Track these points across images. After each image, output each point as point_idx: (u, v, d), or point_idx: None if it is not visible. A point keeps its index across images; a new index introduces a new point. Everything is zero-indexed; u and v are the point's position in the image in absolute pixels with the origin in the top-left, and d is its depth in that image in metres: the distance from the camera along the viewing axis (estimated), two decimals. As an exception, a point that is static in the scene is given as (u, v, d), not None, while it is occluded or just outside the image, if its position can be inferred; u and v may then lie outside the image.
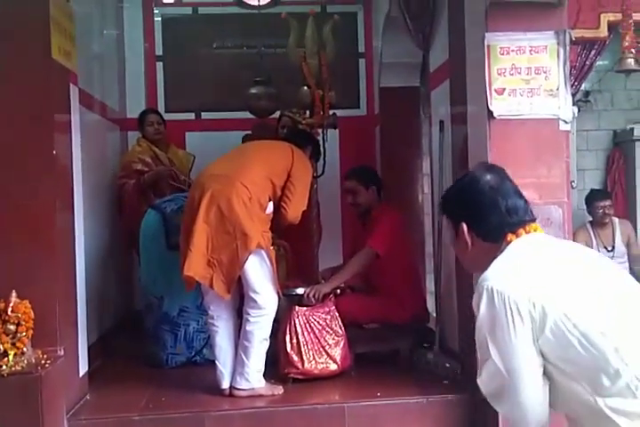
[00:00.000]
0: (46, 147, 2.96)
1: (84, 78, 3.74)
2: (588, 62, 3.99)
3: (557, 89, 3.04)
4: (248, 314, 3.17)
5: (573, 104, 3.13)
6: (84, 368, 3.28)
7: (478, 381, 1.46)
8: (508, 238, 1.52)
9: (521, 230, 1.53)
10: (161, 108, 5.35)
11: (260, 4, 5.10)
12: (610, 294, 1.42)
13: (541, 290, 1.38)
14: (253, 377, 3.20)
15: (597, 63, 4.20)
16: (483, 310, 1.41)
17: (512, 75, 3.03)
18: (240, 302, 3.31)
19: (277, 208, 3.32)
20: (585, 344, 1.34)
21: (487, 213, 1.54)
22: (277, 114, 4.73)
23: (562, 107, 3.04)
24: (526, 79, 3.04)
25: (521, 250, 1.50)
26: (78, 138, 3.35)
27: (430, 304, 4.05)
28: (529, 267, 1.45)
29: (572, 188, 3.21)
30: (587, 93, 6.28)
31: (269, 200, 3.29)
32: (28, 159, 2.93)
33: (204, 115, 5.67)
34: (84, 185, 3.42)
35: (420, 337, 3.78)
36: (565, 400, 1.42)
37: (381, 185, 3.95)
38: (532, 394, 1.39)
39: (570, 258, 1.50)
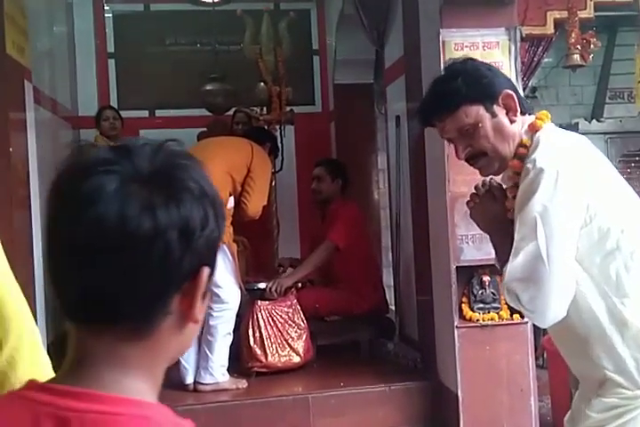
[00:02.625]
0: (3, 144, 2.91)
1: (37, 75, 3.68)
2: (535, 59, 4.12)
3: (508, 84, 3.15)
4: (211, 309, 3.19)
5: (524, 99, 3.24)
6: (44, 368, 3.23)
7: (509, 264, 1.38)
8: (532, 121, 1.52)
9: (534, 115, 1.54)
10: (114, 105, 5.29)
11: (215, 1, 5.08)
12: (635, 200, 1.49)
13: (596, 185, 1.40)
14: (217, 372, 3.22)
15: (544, 60, 4.35)
16: (542, 189, 1.36)
17: (466, 70, 3.12)
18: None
19: (238, 203, 3.34)
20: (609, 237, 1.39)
21: (513, 87, 1.54)
22: (233, 111, 4.75)
23: (513, 101, 3.14)
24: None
25: (570, 138, 1.49)
26: (34, 135, 3.31)
27: (389, 297, 4.13)
28: (585, 157, 1.44)
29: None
30: (534, 89, 6.48)
31: (230, 195, 3.31)
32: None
33: (159, 112, 5.63)
34: (40, 181, 3.38)
35: (379, 328, 3.85)
36: (584, 312, 1.40)
37: (347, 181, 4.01)
38: (563, 284, 1.35)
39: (604, 161, 1.51)
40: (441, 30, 3.09)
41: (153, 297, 0.66)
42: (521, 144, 1.50)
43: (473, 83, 1.49)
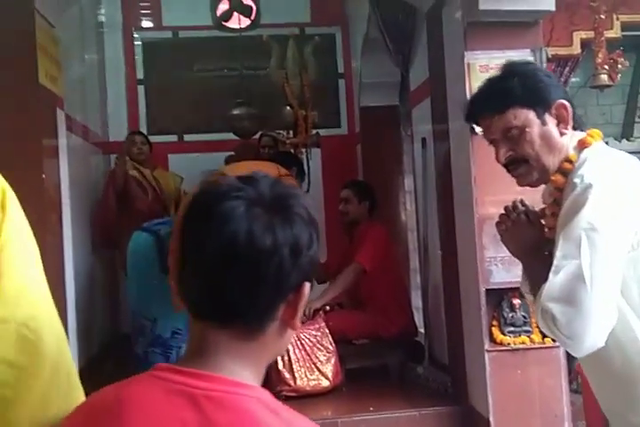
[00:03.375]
0: (35, 171, 2.97)
1: (69, 103, 3.77)
2: (562, 79, 4.11)
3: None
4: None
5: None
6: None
7: (548, 282, 1.30)
8: (582, 137, 1.45)
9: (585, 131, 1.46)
10: (143, 130, 5.38)
11: (241, 26, 5.17)
12: None
13: None
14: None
15: (571, 80, 4.33)
16: (589, 205, 1.29)
17: (492, 92, 3.11)
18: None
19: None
20: None
21: (568, 98, 1.46)
22: (259, 135, 4.80)
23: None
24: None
25: (620, 157, 1.41)
26: (66, 161, 3.37)
27: (418, 319, 4.09)
28: (635, 177, 1.36)
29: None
30: (561, 109, 6.44)
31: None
32: (18, 183, 2.94)
33: (187, 137, 5.71)
34: (71, 207, 3.44)
35: (408, 352, 3.81)
36: (626, 346, 1.33)
37: (375, 203, 4.01)
38: (604, 309, 1.25)
39: None
40: (465, 52, 3.10)
41: (266, 304, 0.81)
42: (567, 159, 1.43)
43: (528, 86, 1.43)
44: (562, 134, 1.45)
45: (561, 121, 1.45)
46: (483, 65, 3.11)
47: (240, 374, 0.82)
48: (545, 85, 1.45)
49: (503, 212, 1.56)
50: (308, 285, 0.83)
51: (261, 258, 0.78)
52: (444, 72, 3.40)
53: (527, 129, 1.43)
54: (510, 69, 1.50)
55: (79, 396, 0.96)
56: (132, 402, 0.80)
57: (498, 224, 1.56)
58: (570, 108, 1.45)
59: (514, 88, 1.43)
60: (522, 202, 1.54)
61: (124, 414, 0.79)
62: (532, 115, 1.43)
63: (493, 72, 3.07)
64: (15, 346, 0.86)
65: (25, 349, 0.86)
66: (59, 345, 0.92)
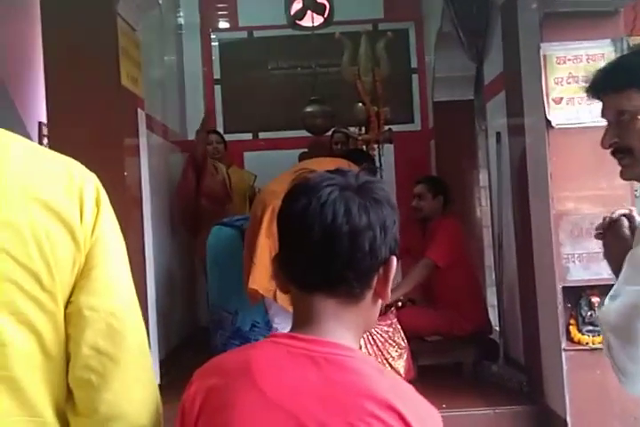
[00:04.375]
0: (117, 168, 3.11)
1: (149, 103, 3.91)
2: (646, 69, 3.94)
3: (617, 96, 3.03)
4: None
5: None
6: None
7: (605, 306, 1.22)
8: None
9: None
10: (220, 129, 5.52)
11: (314, 25, 5.22)
12: None
13: None
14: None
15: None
16: None
17: (569, 83, 3.03)
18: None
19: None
20: None
21: None
22: (332, 131, 4.83)
23: (622, 114, 3.02)
24: (584, 87, 3.03)
25: None
26: (146, 160, 3.50)
27: (493, 317, 4.03)
28: None
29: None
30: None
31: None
32: (101, 181, 3.08)
33: (262, 135, 5.82)
34: (151, 204, 3.57)
35: (483, 349, 3.76)
36: None
37: (448, 199, 3.97)
38: None
39: None
40: (542, 44, 3.03)
41: (364, 273, 0.94)
42: None
43: None
44: None
45: None
46: (560, 57, 3.03)
47: (346, 338, 0.94)
48: None
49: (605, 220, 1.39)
50: (394, 258, 0.96)
51: (358, 234, 0.91)
52: (519, 65, 3.33)
53: (639, 117, 1.27)
54: None
55: (155, 385, 1.01)
56: (260, 361, 0.92)
57: (596, 235, 1.41)
58: None
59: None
60: (619, 214, 1.36)
61: (256, 371, 0.91)
62: None
63: (571, 64, 3.05)
64: (103, 334, 0.91)
65: (111, 337, 0.91)
66: (141, 336, 0.97)
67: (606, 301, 1.21)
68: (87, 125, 3.07)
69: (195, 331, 4.98)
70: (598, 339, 2.86)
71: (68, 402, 0.93)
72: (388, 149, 5.04)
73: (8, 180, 0.86)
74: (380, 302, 0.98)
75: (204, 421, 0.93)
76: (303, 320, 0.96)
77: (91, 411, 0.91)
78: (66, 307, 0.90)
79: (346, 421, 0.87)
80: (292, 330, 0.97)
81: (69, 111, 3.02)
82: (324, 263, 0.92)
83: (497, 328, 3.94)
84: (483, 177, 5.00)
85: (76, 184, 0.91)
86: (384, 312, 3.54)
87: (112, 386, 0.92)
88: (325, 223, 0.92)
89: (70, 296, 0.91)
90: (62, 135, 2.98)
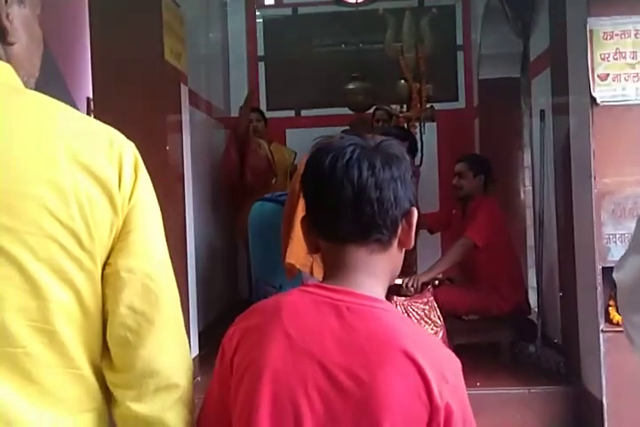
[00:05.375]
0: (160, 143, 3.16)
1: (193, 79, 3.96)
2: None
3: (666, 73, 2.94)
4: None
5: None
6: (194, 352, 3.48)
7: (616, 273, 1.27)
8: None
9: None
10: (262, 106, 5.55)
11: (358, 1, 5.17)
12: None
13: None
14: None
15: None
16: None
17: (616, 59, 2.95)
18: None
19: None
20: None
21: None
22: (373, 109, 4.81)
23: (670, 91, 2.93)
24: (631, 64, 2.95)
25: None
26: (188, 135, 3.55)
27: (532, 299, 3.99)
28: None
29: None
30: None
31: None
32: (143, 155, 3.14)
33: (304, 112, 5.82)
34: (193, 179, 3.62)
35: (520, 330, 3.73)
36: None
37: (491, 178, 3.92)
38: None
39: None
40: (589, 19, 2.94)
41: (392, 222, 1.02)
42: None
43: None
44: None
45: None
46: (607, 32, 2.95)
47: (373, 289, 1.02)
48: None
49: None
50: (414, 209, 1.05)
51: (383, 186, 1.00)
52: (565, 40, 3.25)
53: None
54: None
55: (186, 344, 1.05)
56: (288, 307, 1.02)
57: None
58: None
59: None
60: None
61: (284, 315, 1.00)
62: None
63: (618, 39, 2.96)
64: (139, 294, 0.95)
65: (147, 298, 0.96)
66: (174, 297, 1.01)
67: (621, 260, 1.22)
68: (131, 99, 3.12)
69: (235, 304, 5.07)
70: (637, 321, 2.82)
71: (104, 359, 0.97)
72: (432, 127, 4.99)
73: (55, 143, 0.90)
74: (403, 250, 1.07)
75: (240, 356, 1.02)
76: (334, 271, 1.04)
77: (128, 367, 0.96)
78: (104, 268, 0.94)
79: (365, 367, 0.93)
80: (322, 281, 1.05)
81: (114, 86, 3.07)
82: (357, 214, 1.00)
83: (535, 309, 3.91)
84: (527, 157, 4.92)
85: (115, 151, 0.95)
86: (420, 290, 3.55)
87: (147, 344, 0.96)
88: (353, 178, 1.00)
89: (108, 258, 0.95)
90: (107, 109, 3.03)
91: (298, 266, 3.24)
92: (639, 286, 1.16)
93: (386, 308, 1.01)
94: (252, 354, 1.01)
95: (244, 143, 4.60)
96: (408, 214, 1.04)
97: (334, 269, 1.04)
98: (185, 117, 3.51)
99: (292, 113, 5.82)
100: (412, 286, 3.51)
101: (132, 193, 0.96)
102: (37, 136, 0.90)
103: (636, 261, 1.17)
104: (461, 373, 0.98)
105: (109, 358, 0.97)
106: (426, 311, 3.49)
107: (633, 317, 1.17)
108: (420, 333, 1.03)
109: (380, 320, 0.98)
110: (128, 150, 0.97)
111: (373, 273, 1.03)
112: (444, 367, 0.96)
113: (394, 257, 1.05)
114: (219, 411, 1.05)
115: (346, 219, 1.01)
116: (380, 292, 1.04)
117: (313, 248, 1.08)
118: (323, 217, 1.04)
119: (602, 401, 2.83)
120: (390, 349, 0.94)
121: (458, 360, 1.00)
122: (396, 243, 1.04)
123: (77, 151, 0.91)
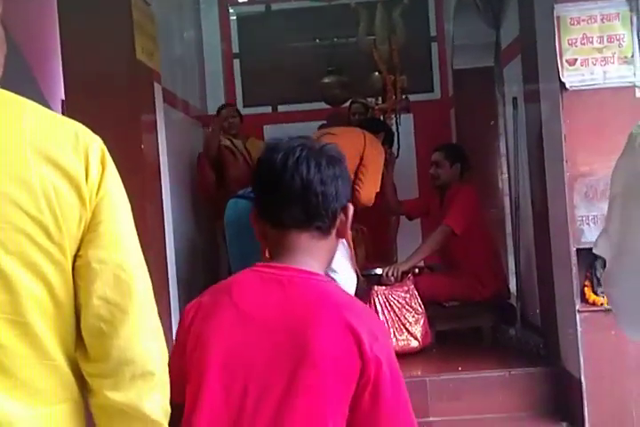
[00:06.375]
0: (134, 142, 3.17)
1: (168, 78, 3.95)
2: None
3: (632, 56, 2.99)
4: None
5: (650, 70, 3.05)
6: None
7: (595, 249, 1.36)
8: None
9: None
10: (239, 103, 5.56)
11: (330, -4, 5.20)
12: None
13: None
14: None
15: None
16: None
17: (583, 44, 2.99)
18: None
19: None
20: None
21: None
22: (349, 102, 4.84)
23: (637, 74, 2.98)
24: (598, 48, 3.00)
25: None
26: (164, 134, 3.56)
27: (512, 284, 4.04)
28: None
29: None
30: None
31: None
32: (118, 156, 3.12)
33: (281, 107, 5.84)
34: (170, 178, 3.63)
35: (501, 314, 3.79)
36: None
37: (467, 166, 3.97)
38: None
39: None
40: (555, 5, 2.98)
41: (332, 213, 1.18)
42: None
43: None
44: None
45: None
46: (574, 17, 2.99)
47: (312, 266, 1.17)
48: None
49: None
50: (351, 204, 1.22)
51: (328, 182, 1.16)
52: (533, 28, 3.30)
53: None
54: None
55: (161, 333, 1.06)
56: (237, 284, 1.19)
57: None
58: None
59: None
60: None
61: (234, 290, 1.17)
62: None
63: (585, 24, 3.00)
64: (112, 285, 0.97)
65: (120, 288, 0.97)
66: (147, 287, 1.03)
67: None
68: (104, 100, 3.11)
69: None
70: (612, 300, 2.87)
71: (78, 349, 0.99)
72: (408, 118, 5.03)
73: (21, 139, 0.92)
74: (339, 239, 1.23)
75: (194, 328, 1.18)
76: (280, 253, 1.19)
77: (103, 356, 0.98)
78: (75, 260, 0.96)
79: (303, 327, 1.08)
80: (268, 261, 1.20)
81: (86, 86, 3.07)
82: (304, 204, 1.16)
83: (515, 293, 3.96)
84: (502, 145, 4.97)
85: (82, 145, 0.97)
86: (400, 279, 3.59)
87: (122, 333, 0.97)
88: (302, 173, 1.16)
89: (79, 250, 0.96)
90: (80, 110, 3.03)
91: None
92: (612, 263, 1.24)
93: (323, 279, 1.17)
94: (205, 325, 1.16)
95: (218, 161, 4.62)
96: (346, 208, 1.20)
97: (280, 251, 1.19)
98: (159, 116, 3.52)
99: (268, 109, 5.84)
100: (393, 275, 3.55)
101: (99, 185, 0.97)
102: (3, 134, 0.92)
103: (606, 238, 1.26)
104: (390, 337, 1.10)
105: (84, 348, 0.99)
106: (407, 299, 3.54)
107: (606, 289, 1.29)
108: (354, 300, 1.18)
109: (317, 288, 1.14)
110: (94, 144, 0.99)
111: (313, 255, 1.18)
112: (374, 328, 1.11)
113: (331, 244, 1.21)
114: (177, 375, 1.13)
115: (294, 208, 1.16)
116: (318, 269, 1.18)
117: (261, 236, 1.23)
118: (271, 207, 1.19)
119: (580, 380, 2.88)
120: (326, 311, 1.09)
121: (386, 328, 1.10)
122: (334, 232, 1.20)
123: (44, 146, 0.93)
